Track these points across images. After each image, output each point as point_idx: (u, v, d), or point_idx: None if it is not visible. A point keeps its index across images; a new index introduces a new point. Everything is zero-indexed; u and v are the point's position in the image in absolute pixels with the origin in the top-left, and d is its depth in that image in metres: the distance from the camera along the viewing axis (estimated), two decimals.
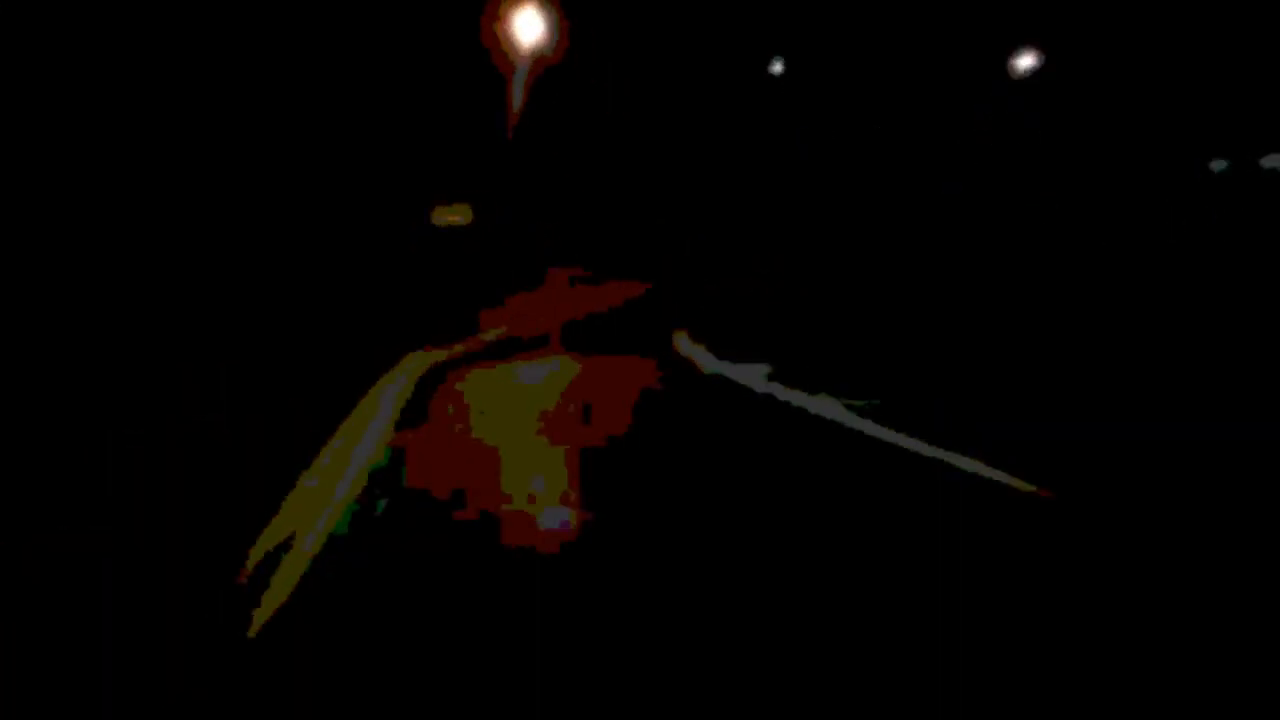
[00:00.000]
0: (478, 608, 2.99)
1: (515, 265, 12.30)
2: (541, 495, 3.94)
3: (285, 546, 3.27)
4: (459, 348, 7.40)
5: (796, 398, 5.73)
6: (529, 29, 9.27)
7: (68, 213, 6.06)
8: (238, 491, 3.76)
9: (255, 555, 3.11)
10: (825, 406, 5.53)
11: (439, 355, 6.98)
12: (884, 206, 14.76)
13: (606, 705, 2.46)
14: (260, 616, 2.73)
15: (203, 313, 6.99)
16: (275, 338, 6.85)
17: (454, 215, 10.33)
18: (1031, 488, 4.75)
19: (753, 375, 6.30)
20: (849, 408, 5.57)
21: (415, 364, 6.59)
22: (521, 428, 5.12)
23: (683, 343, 8.49)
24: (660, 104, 11.57)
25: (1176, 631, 3.25)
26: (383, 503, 3.73)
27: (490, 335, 7.94)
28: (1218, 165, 13.39)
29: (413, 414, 5.34)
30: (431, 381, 6.24)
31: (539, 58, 10.71)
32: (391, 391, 5.63)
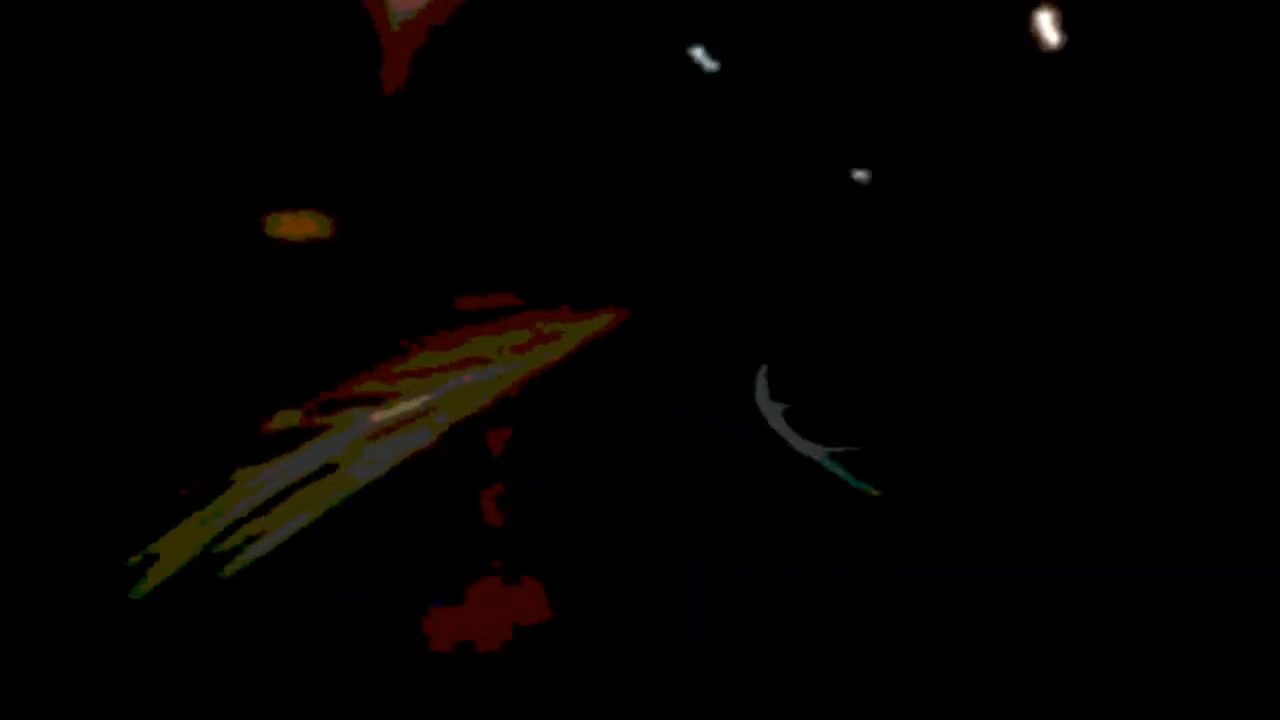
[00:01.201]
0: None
1: (401, 296, 8.38)
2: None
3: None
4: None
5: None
6: None
7: (67, 213, 6.06)
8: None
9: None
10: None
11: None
12: (801, 203, 14.44)
13: None
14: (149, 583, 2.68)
15: (202, 313, 6.97)
16: (275, 338, 6.83)
17: (303, 226, 7.19)
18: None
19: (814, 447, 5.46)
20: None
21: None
22: None
23: (764, 399, 6.41)
24: (570, 82, 10.24)
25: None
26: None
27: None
28: None
29: None
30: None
31: (426, 9, 8.70)
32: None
